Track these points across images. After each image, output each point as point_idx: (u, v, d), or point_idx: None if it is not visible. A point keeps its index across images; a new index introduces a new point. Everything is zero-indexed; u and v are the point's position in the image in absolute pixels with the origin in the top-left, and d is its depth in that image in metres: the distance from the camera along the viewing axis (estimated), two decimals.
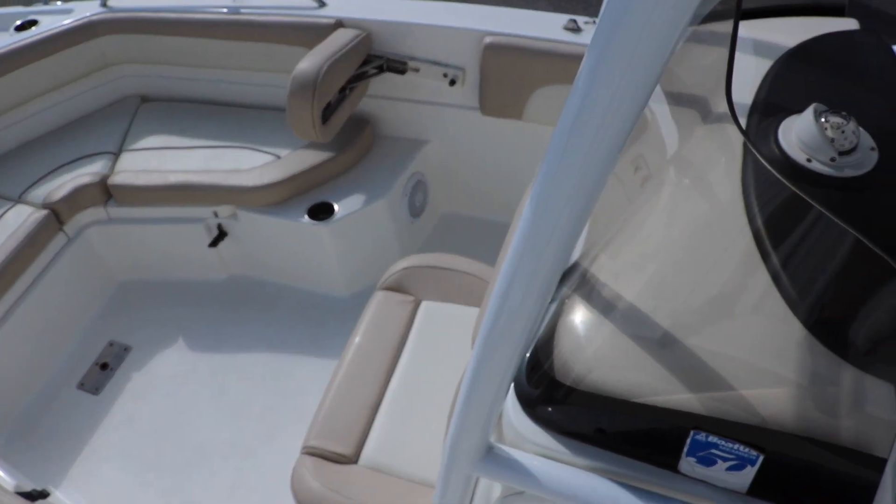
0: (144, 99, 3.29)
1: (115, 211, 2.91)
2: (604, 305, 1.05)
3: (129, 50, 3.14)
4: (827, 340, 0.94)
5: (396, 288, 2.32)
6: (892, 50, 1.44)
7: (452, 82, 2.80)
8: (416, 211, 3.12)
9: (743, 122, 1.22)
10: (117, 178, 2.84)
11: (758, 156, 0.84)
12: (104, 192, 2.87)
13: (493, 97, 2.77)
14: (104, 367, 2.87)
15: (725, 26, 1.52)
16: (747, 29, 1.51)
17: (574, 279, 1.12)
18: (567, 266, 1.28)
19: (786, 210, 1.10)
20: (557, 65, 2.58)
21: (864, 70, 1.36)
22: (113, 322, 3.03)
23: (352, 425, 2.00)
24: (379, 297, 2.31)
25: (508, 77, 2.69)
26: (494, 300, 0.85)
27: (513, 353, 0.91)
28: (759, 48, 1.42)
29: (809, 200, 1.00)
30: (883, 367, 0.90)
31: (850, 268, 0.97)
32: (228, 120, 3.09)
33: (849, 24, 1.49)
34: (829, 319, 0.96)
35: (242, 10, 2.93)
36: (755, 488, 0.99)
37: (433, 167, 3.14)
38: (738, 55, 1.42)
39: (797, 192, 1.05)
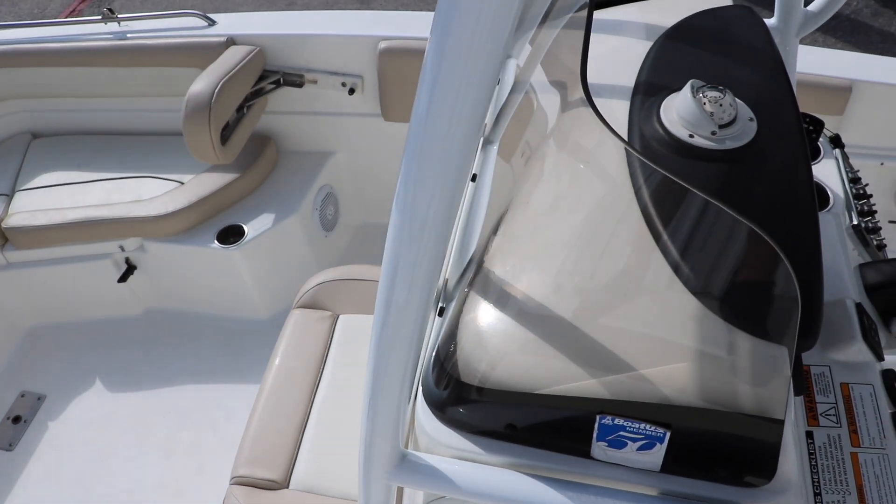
0: (35, 135, 3.16)
1: (13, 255, 2.78)
2: (501, 299, 1.03)
3: (12, 85, 3.01)
4: (720, 310, 0.94)
5: (312, 305, 2.28)
6: (764, 23, 1.47)
7: (352, 91, 2.77)
8: (328, 224, 3.07)
9: (627, 104, 1.23)
10: (12, 221, 2.71)
11: (623, 142, 0.84)
12: None
13: (393, 102, 2.74)
14: (17, 420, 2.74)
15: (609, 12, 1.53)
16: (630, 11, 1.52)
17: (469, 275, 1.10)
18: (464, 260, 1.27)
19: (670, 186, 1.10)
20: None
21: (740, 44, 1.38)
22: (23, 371, 2.89)
23: (279, 449, 1.95)
24: (295, 315, 2.26)
25: (407, 80, 2.67)
26: (379, 303, 0.82)
27: (407, 356, 0.88)
28: (641, 30, 1.43)
29: (670, 176, 1.01)
30: (773, 331, 0.91)
31: (734, 237, 0.98)
32: (126, 149, 2.99)
33: (724, 0, 1.52)
34: (719, 289, 0.96)
35: (129, 35, 2.84)
36: (668, 465, 0.99)
37: (342, 178, 3.10)
38: (621, 38, 1.43)
39: (659, 170, 1.05)
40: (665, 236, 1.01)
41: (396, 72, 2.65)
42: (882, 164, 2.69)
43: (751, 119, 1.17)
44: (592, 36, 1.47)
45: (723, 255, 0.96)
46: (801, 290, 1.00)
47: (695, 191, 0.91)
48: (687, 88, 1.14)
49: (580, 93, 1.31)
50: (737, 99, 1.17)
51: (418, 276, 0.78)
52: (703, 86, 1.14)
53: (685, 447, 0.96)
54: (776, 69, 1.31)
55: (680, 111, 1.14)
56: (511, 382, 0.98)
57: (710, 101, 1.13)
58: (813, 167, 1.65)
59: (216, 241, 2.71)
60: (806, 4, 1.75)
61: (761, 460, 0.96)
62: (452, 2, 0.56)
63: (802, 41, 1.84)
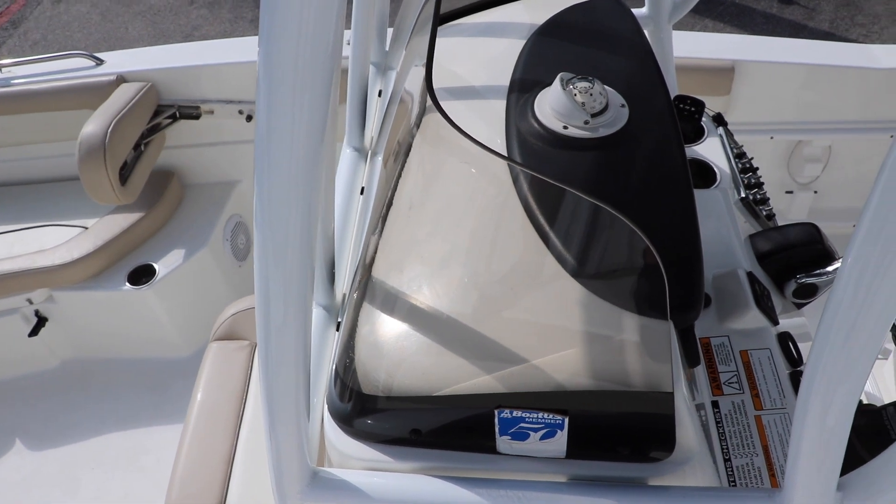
0: None
1: None
2: (391, 305, 1.04)
3: None
4: (601, 293, 0.96)
5: (229, 336, 2.24)
6: (631, 13, 1.51)
7: (249, 118, 2.75)
8: (240, 254, 3.03)
9: (503, 102, 1.25)
10: None
11: (479, 144, 0.85)
12: None
13: None
14: None
15: (494, 13, 1.56)
16: (502, 13, 1.55)
17: (356, 285, 1.10)
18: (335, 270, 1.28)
19: (548, 173, 1.12)
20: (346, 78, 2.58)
21: (609, 35, 1.42)
22: None
23: (210, 485, 1.91)
24: (213, 349, 2.22)
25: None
26: (259, 327, 0.82)
27: (296, 374, 0.88)
28: (524, 28, 1.45)
29: (530, 172, 1.03)
30: (650, 307, 0.94)
31: (605, 223, 1.00)
32: (24, 199, 2.90)
33: None
34: (598, 273, 0.99)
35: (14, 82, 2.76)
36: (573, 451, 1.01)
37: (250, 206, 3.07)
38: (503, 39, 1.46)
39: (514, 164, 1.08)
40: (546, 227, 1.03)
41: None
42: (772, 137, 2.79)
43: (622, 105, 1.20)
44: (477, 39, 1.50)
45: (598, 240, 0.99)
46: (681, 266, 1.03)
47: (556, 183, 0.94)
48: (557, 82, 1.17)
49: (482, 93, 1.33)
50: (607, 87, 1.20)
51: (291, 294, 0.79)
52: (573, 77, 1.17)
53: (586, 431, 0.98)
54: (645, 56, 1.35)
55: (552, 104, 1.17)
56: (409, 387, 0.99)
57: (580, 92, 1.16)
58: (698, 146, 1.71)
59: (127, 283, 2.65)
60: None
61: (659, 434, 0.98)
62: (272, 16, 0.57)
63: (686, 27, 1.91)
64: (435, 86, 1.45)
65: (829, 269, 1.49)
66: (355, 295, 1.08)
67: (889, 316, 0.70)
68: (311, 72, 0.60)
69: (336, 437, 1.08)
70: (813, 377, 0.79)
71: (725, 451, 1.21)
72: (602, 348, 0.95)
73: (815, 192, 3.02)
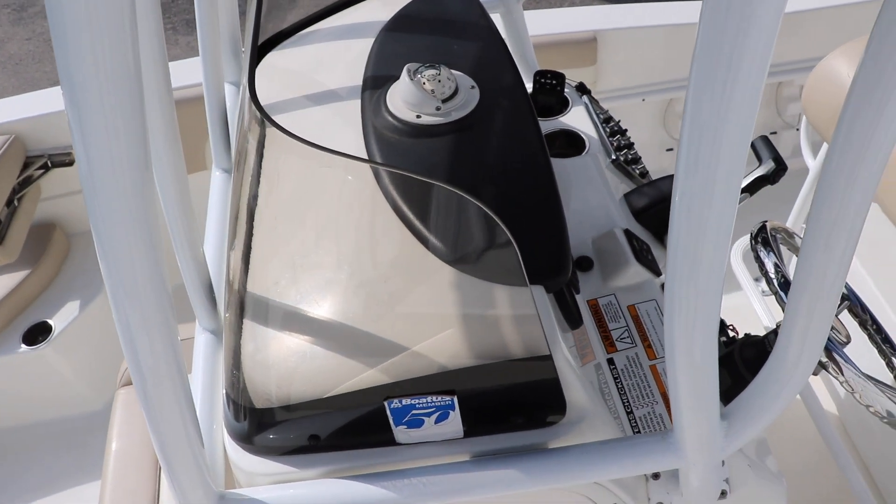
0: None
1: None
2: (268, 316, 1.03)
3: None
4: (467, 269, 0.98)
5: None
6: None
7: None
8: None
9: (358, 102, 1.26)
10: None
11: (319, 147, 0.86)
12: None
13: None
14: None
15: (354, 13, 1.56)
16: (360, 12, 1.55)
17: (234, 303, 1.09)
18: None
19: (406, 162, 1.14)
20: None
21: (453, 22, 1.45)
22: None
23: None
24: (121, 395, 2.16)
25: (188, 128, 2.61)
26: (129, 361, 0.81)
27: (178, 404, 0.87)
28: (372, 28, 1.46)
29: (374, 163, 1.05)
30: (510, 276, 0.96)
31: (464, 200, 1.02)
32: None
33: None
34: (463, 252, 1.00)
35: None
36: (471, 429, 1.02)
37: None
38: (353, 40, 1.46)
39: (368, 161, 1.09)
40: (410, 216, 1.04)
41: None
42: (643, 100, 2.88)
43: (472, 87, 1.22)
44: (336, 42, 1.50)
45: (458, 221, 1.00)
46: (544, 233, 1.06)
47: (405, 173, 0.95)
48: (404, 73, 1.18)
49: (341, 94, 1.33)
50: (455, 71, 1.22)
51: (152, 326, 0.77)
52: (419, 67, 1.19)
53: (478, 407, 0.99)
54: (490, 37, 1.38)
55: (403, 96, 1.18)
56: (300, 394, 0.99)
57: (428, 80, 1.17)
58: (564, 117, 1.75)
59: (23, 345, 2.55)
60: None
61: (548, 398, 1.01)
62: (64, 49, 0.56)
63: (553, 4, 1.95)
64: (295, 94, 1.45)
65: None
66: (232, 314, 1.07)
67: (722, 244, 0.73)
68: (117, 98, 0.59)
69: (239, 457, 1.07)
70: (672, 318, 0.82)
71: (627, 404, 1.24)
72: (476, 324, 0.96)
73: None
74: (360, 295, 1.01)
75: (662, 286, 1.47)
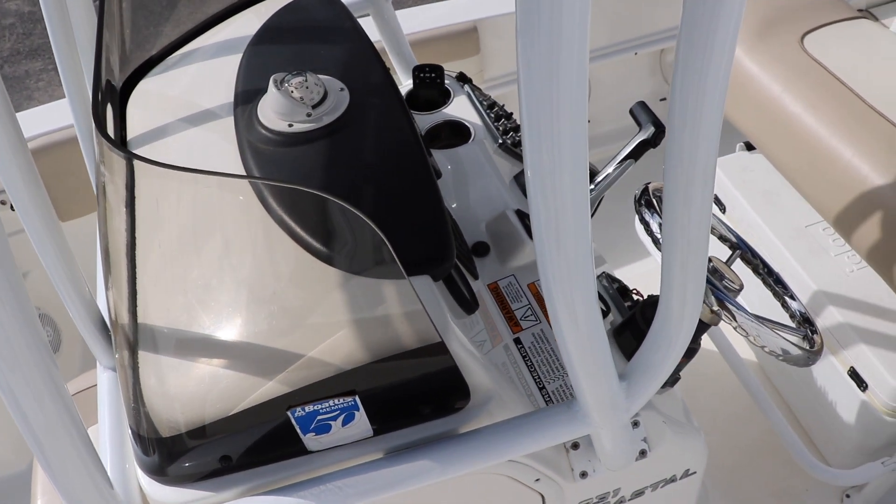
0: None
1: None
2: (165, 345, 1.02)
3: None
4: (351, 268, 0.99)
5: None
6: (340, 2, 1.54)
7: (12, 207, 2.59)
8: (52, 346, 2.86)
9: (232, 120, 1.25)
10: None
11: (162, 165, 0.85)
12: None
13: (64, 200, 2.60)
14: None
15: (228, 30, 1.54)
16: (228, 28, 1.54)
17: (127, 338, 1.07)
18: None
19: (282, 172, 1.13)
20: None
21: (318, 27, 1.45)
22: None
23: None
24: None
25: (70, 172, 2.54)
26: (16, 420, 0.79)
27: (75, 451, 0.85)
28: (241, 43, 1.45)
29: (241, 176, 1.05)
30: (390, 271, 0.97)
31: (335, 204, 1.03)
32: None
33: None
34: (343, 252, 1.01)
35: None
36: (380, 426, 1.03)
37: (47, 296, 2.88)
38: (221, 58, 1.45)
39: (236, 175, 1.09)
40: (292, 224, 1.03)
41: (55, 167, 2.51)
42: None
43: (342, 89, 1.23)
44: (211, 60, 1.48)
45: (335, 224, 1.01)
46: (425, 224, 1.07)
47: (276, 184, 0.95)
48: (271, 84, 1.18)
49: (189, 123, 1.32)
50: (322, 76, 1.22)
51: (33, 378, 0.76)
52: (285, 76, 1.19)
53: (383, 403, 1.00)
54: (356, 37, 1.39)
55: (273, 107, 1.18)
56: (204, 416, 0.98)
57: (296, 88, 1.17)
58: (447, 109, 1.76)
59: None
60: None
61: (450, 384, 1.02)
62: None
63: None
64: (170, 119, 1.42)
65: (591, 187, 1.58)
66: (124, 349, 1.05)
67: (581, 212, 0.75)
68: None
69: (154, 490, 1.06)
70: (550, 295, 0.84)
71: (538, 380, 1.27)
72: (365, 322, 0.97)
73: (588, 121, 3.20)
74: (249, 309, 1.00)
75: None
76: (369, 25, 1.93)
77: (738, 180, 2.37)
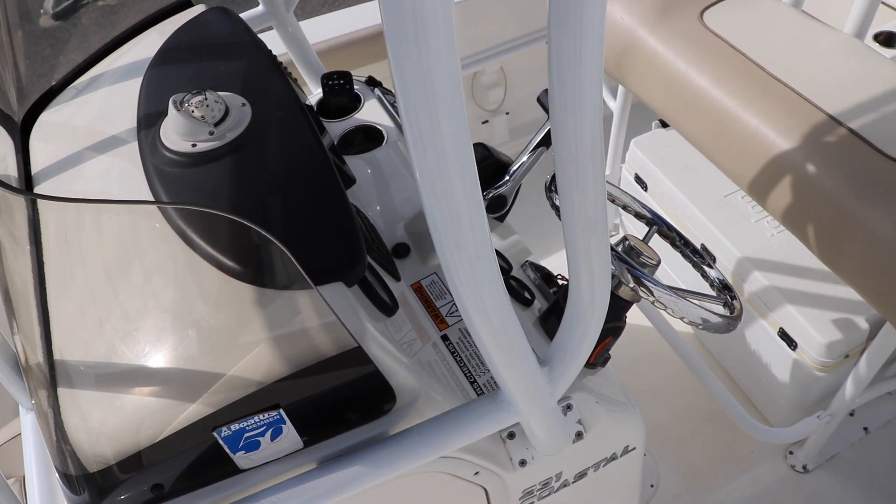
0: None
1: None
2: (83, 380, 1.00)
3: None
4: (261, 283, 0.98)
5: None
6: (236, 16, 1.53)
7: None
8: None
9: (136, 145, 1.23)
10: None
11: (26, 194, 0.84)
12: None
13: None
14: None
15: (131, 54, 1.51)
16: (132, 51, 1.51)
17: (45, 377, 1.05)
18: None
19: (189, 193, 1.12)
20: None
21: (217, 44, 1.44)
22: None
23: None
24: None
25: None
26: None
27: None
28: (144, 65, 1.43)
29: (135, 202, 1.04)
30: (294, 280, 0.97)
31: (223, 224, 1.03)
32: None
33: (198, 9, 1.56)
34: (252, 266, 1.00)
35: None
36: (311, 437, 1.02)
37: None
38: (125, 82, 1.42)
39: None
40: (202, 244, 1.02)
41: None
42: None
43: (243, 105, 1.22)
44: (115, 85, 1.45)
45: (233, 238, 1.00)
46: (333, 231, 1.07)
47: (180, 206, 0.94)
48: (170, 106, 1.16)
49: (96, 151, 1.29)
50: (223, 93, 1.21)
51: None
52: (184, 96, 1.17)
53: (309, 414, 1.00)
54: (255, 51, 1.38)
55: (175, 128, 1.17)
56: (129, 446, 0.96)
57: (196, 107, 1.16)
58: (359, 114, 1.76)
59: None
60: None
61: (374, 388, 1.02)
62: None
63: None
64: (74, 149, 1.40)
65: (507, 177, 1.60)
66: (42, 388, 1.03)
67: (474, 205, 0.75)
68: None
69: None
70: (457, 292, 0.84)
71: (468, 374, 1.28)
72: (280, 334, 0.97)
73: (507, 113, 3.22)
74: (166, 334, 0.99)
75: None
76: (275, 39, 1.93)
77: (657, 157, 2.42)
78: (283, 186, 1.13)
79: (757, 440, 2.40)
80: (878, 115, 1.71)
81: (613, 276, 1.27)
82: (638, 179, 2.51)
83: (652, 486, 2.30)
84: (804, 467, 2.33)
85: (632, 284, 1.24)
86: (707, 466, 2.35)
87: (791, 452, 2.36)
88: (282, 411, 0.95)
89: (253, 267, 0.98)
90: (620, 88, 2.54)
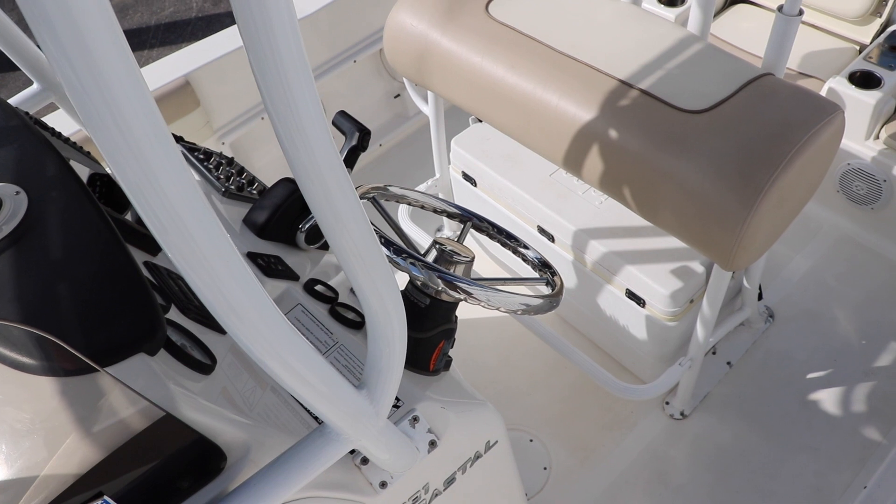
0: None
1: None
2: None
3: None
4: (54, 374, 0.93)
5: None
6: (4, 102, 1.45)
7: None
8: None
9: None
10: None
11: None
12: None
13: None
14: None
15: None
16: None
17: None
18: None
19: None
20: None
21: None
22: None
23: None
24: None
25: None
26: None
27: None
28: None
29: None
30: (81, 364, 0.93)
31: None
32: None
33: None
34: (34, 359, 0.95)
35: None
36: None
37: None
38: None
39: None
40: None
41: None
42: (262, 118, 2.90)
43: (17, 193, 1.15)
44: None
45: (12, 333, 0.95)
46: (128, 304, 1.02)
47: None
48: None
49: None
50: None
51: None
52: None
53: (140, 493, 0.95)
54: (25, 135, 1.31)
55: None
56: None
57: None
58: None
59: None
60: None
61: (203, 449, 0.99)
62: None
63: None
64: None
65: None
66: None
67: (235, 265, 0.71)
68: None
69: None
70: (246, 347, 0.80)
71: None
72: (84, 419, 0.92)
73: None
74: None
75: (305, 287, 1.50)
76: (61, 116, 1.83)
77: (478, 151, 2.46)
78: (70, 270, 1.07)
79: (632, 400, 2.47)
80: (663, 72, 1.79)
81: (428, 284, 1.28)
82: (466, 177, 2.54)
83: (545, 468, 2.34)
84: (682, 413, 2.42)
85: (441, 287, 1.25)
86: (594, 437, 2.41)
87: (668, 403, 2.44)
88: (107, 498, 0.90)
89: (41, 359, 0.93)
90: (429, 93, 2.57)
